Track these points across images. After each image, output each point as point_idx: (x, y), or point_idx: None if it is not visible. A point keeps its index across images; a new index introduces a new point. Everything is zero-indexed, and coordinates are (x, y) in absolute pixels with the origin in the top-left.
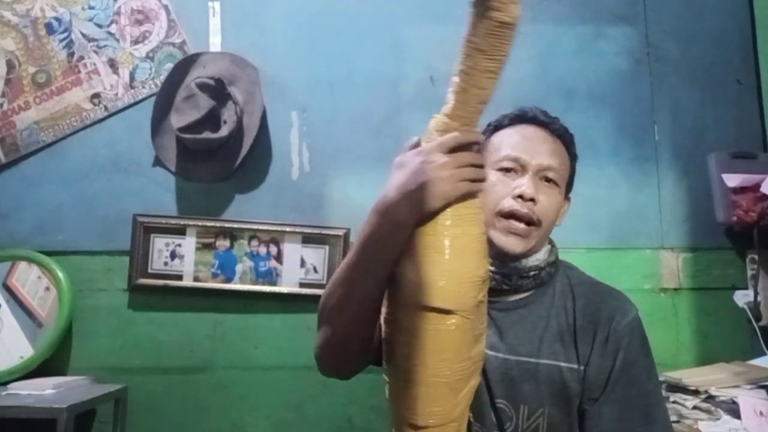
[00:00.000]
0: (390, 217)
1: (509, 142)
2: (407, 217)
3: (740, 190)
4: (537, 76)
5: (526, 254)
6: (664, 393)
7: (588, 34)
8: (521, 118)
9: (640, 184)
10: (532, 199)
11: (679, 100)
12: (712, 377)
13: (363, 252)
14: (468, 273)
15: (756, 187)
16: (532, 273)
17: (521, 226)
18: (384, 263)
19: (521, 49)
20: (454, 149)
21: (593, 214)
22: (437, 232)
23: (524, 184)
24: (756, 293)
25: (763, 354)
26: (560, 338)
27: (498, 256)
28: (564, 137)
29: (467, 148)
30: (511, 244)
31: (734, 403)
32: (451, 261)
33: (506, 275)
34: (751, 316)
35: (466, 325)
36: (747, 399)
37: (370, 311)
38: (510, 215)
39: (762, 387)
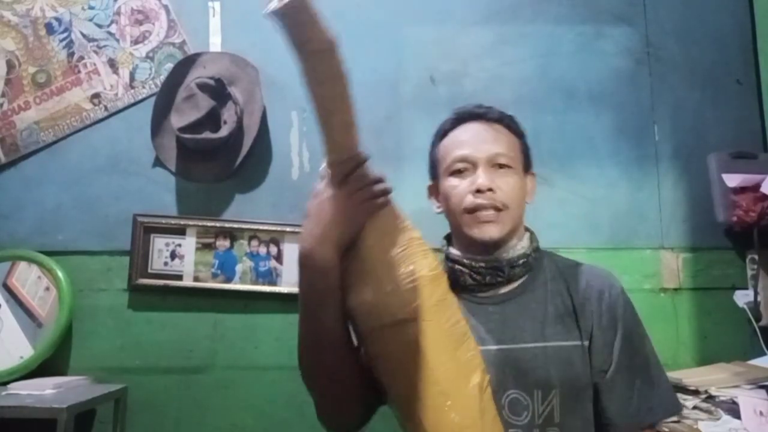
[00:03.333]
0: (311, 266)
1: (454, 145)
2: (326, 260)
3: (740, 190)
4: (537, 76)
5: (508, 241)
6: None
7: (588, 34)
8: (458, 119)
9: (640, 184)
10: (490, 189)
11: (679, 100)
12: (712, 377)
13: (305, 307)
14: (404, 280)
15: (756, 187)
16: (521, 261)
17: (489, 213)
18: (326, 308)
19: (521, 49)
20: (341, 181)
21: (593, 214)
22: (361, 256)
23: (479, 177)
24: (756, 293)
25: (763, 354)
26: (561, 319)
27: (483, 249)
28: (503, 121)
29: (354, 172)
30: (486, 232)
31: (734, 403)
32: (382, 275)
33: (497, 267)
34: (751, 316)
35: (428, 329)
36: (747, 399)
37: (339, 360)
38: (475, 209)
39: (762, 387)
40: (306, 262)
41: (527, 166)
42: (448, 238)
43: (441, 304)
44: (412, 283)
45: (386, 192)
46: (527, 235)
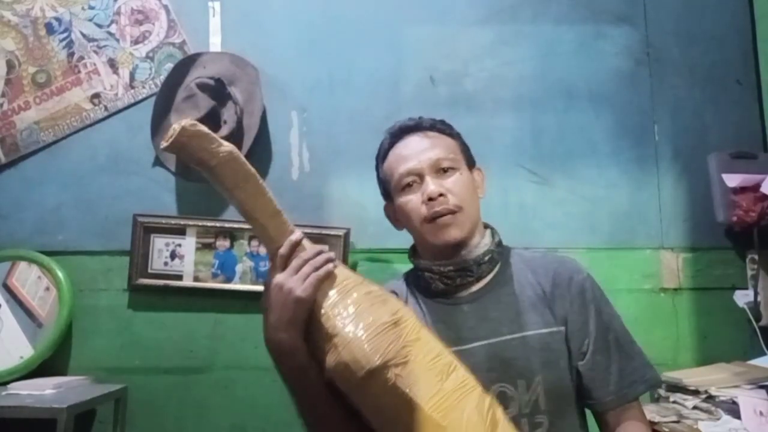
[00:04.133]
0: (278, 351)
1: (397, 162)
2: (289, 342)
3: (740, 190)
4: (537, 76)
5: (470, 240)
6: (664, 393)
7: (588, 34)
8: (393, 136)
9: (640, 184)
10: (441, 194)
11: (679, 100)
12: (712, 377)
13: (290, 388)
14: (366, 331)
15: (756, 187)
16: (487, 257)
17: (447, 218)
18: (308, 383)
19: (521, 49)
20: (284, 263)
21: (593, 214)
22: (321, 324)
23: (428, 185)
24: (756, 293)
25: (763, 354)
26: (534, 308)
27: (448, 252)
28: (435, 127)
29: (292, 254)
30: (449, 235)
31: (734, 403)
32: (345, 334)
33: (465, 268)
34: (751, 316)
35: (406, 370)
36: (747, 399)
37: (339, 421)
38: (432, 217)
39: (762, 387)
40: (273, 349)
41: (471, 163)
42: (413, 249)
43: (414, 343)
44: (376, 332)
45: (328, 260)
46: (488, 231)
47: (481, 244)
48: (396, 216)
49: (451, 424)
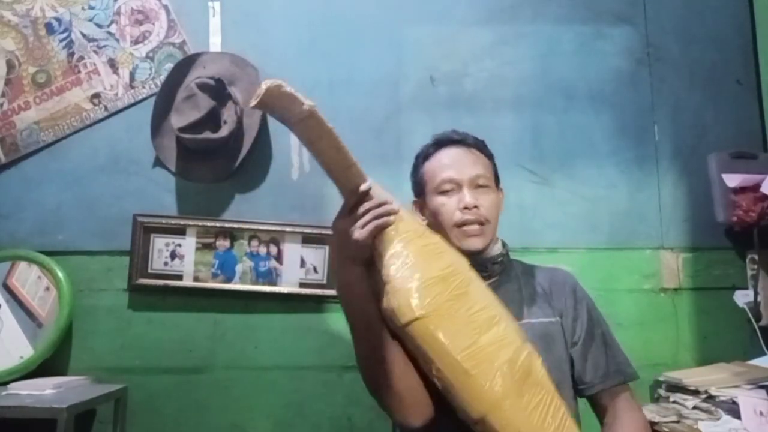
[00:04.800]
0: (339, 280)
1: (440, 168)
2: (347, 275)
3: (740, 190)
4: (537, 76)
5: (487, 247)
6: (664, 393)
7: (588, 34)
8: (439, 144)
9: (640, 184)
10: (475, 206)
11: (679, 100)
12: (712, 377)
13: (348, 316)
14: (416, 282)
15: (756, 187)
16: (499, 259)
17: (475, 227)
18: (363, 311)
19: (521, 49)
20: (351, 209)
21: (593, 214)
22: (377, 269)
23: (465, 196)
24: (756, 293)
25: (763, 354)
26: (535, 301)
27: (469, 254)
28: (477, 146)
29: (362, 199)
30: (473, 244)
31: (734, 403)
32: (394, 284)
33: (481, 264)
34: (751, 316)
35: (443, 322)
36: (747, 399)
37: (395, 360)
38: (462, 224)
39: (762, 387)
40: (335, 279)
41: (497, 183)
42: None
43: (460, 297)
44: (423, 285)
45: (389, 212)
46: (500, 242)
47: (495, 248)
48: (423, 212)
49: (480, 373)
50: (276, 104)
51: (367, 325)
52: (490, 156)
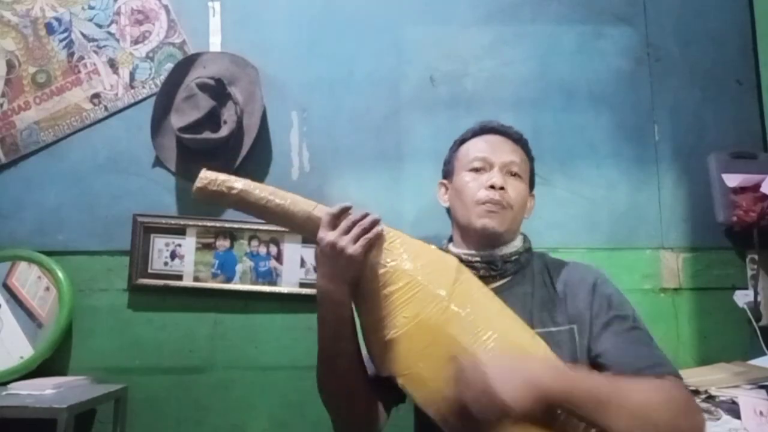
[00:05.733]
0: (326, 299)
1: (476, 148)
2: (337, 294)
3: (740, 190)
4: (537, 76)
5: (505, 240)
6: None
7: (588, 34)
8: (482, 129)
9: (640, 184)
10: (502, 188)
11: (679, 100)
12: (712, 377)
13: (325, 335)
14: (387, 339)
15: (756, 187)
16: (513, 258)
17: (496, 206)
18: (343, 334)
19: (521, 49)
20: (334, 223)
21: (593, 214)
22: (370, 281)
23: (494, 176)
24: (756, 293)
25: (763, 354)
26: (546, 307)
27: (482, 240)
28: (521, 141)
29: (342, 215)
30: (490, 223)
31: (734, 403)
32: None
33: (491, 262)
34: (751, 316)
35: (417, 380)
36: (747, 399)
37: (355, 376)
38: (486, 201)
39: (762, 387)
40: (321, 297)
41: (531, 187)
42: (450, 239)
43: (433, 342)
44: (390, 344)
45: (374, 222)
46: (521, 237)
47: (512, 244)
48: (447, 190)
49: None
50: (212, 197)
51: (346, 345)
52: (530, 157)
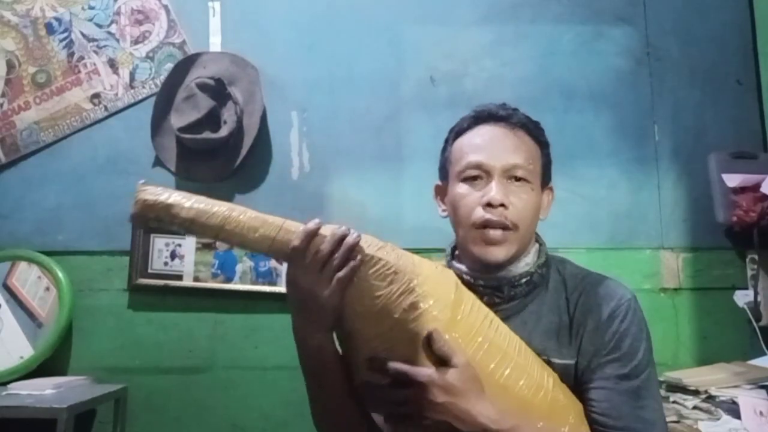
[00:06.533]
0: (306, 349)
1: (469, 149)
2: (316, 343)
3: (740, 190)
4: (537, 76)
5: (512, 260)
6: (663, 393)
7: (588, 34)
8: (478, 118)
9: (640, 184)
10: (502, 205)
11: (679, 100)
12: (712, 377)
13: (308, 378)
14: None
15: (756, 187)
16: (523, 280)
17: (497, 233)
18: (327, 375)
19: (521, 49)
20: (302, 257)
21: (593, 214)
22: (348, 318)
23: (492, 189)
24: (756, 293)
25: (763, 354)
26: (554, 335)
27: (483, 268)
28: (527, 127)
29: (309, 244)
30: (491, 254)
31: (734, 403)
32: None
33: (496, 288)
34: (751, 316)
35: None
36: (747, 399)
37: (347, 412)
38: (483, 225)
39: (762, 387)
40: (300, 345)
41: (546, 180)
42: (453, 250)
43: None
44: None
45: (350, 250)
46: (535, 248)
47: (522, 263)
48: (444, 200)
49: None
50: (153, 216)
51: (334, 389)
52: (542, 143)
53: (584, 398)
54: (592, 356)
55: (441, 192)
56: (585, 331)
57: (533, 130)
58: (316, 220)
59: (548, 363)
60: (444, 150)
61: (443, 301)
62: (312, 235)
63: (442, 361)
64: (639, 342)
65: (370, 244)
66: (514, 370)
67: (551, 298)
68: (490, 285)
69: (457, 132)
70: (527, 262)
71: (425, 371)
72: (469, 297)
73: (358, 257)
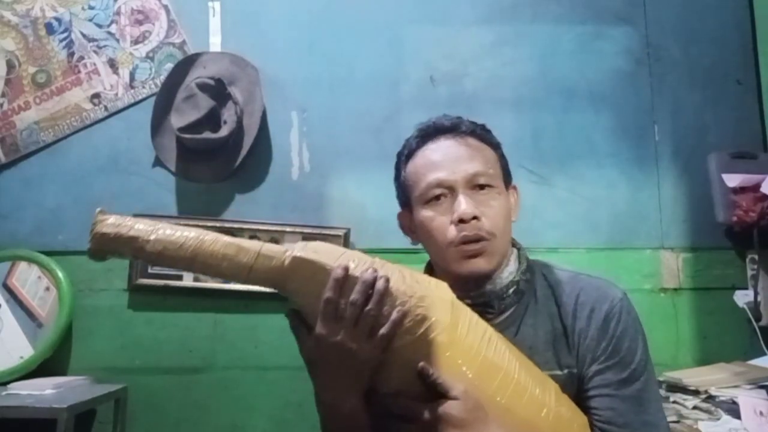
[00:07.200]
0: (336, 412)
1: (425, 168)
2: (350, 407)
3: (740, 190)
4: (537, 76)
5: (495, 269)
6: (663, 393)
7: (588, 34)
8: (425, 135)
9: (640, 184)
10: (474, 218)
11: (679, 100)
12: (712, 377)
13: None
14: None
15: (756, 187)
16: (510, 290)
17: (476, 246)
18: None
19: (521, 49)
20: (335, 310)
21: (593, 214)
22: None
23: (461, 204)
24: (756, 293)
25: (763, 354)
26: (551, 345)
27: (468, 285)
28: (475, 132)
29: (341, 292)
30: (475, 266)
31: (734, 403)
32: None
33: (486, 303)
34: (751, 316)
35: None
36: (747, 399)
37: None
38: (461, 242)
39: (762, 387)
40: (330, 414)
41: (507, 180)
42: (429, 268)
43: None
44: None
45: (384, 293)
46: (514, 255)
47: (505, 273)
48: (412, 228)
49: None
50: (110, 249)
51: None
52: (494, 145)
53: (587, 407)
54: (591, 363)
55: (405, 219)
56: (581, 337)
57: (482, 134)
58: (343, 265)
59: (552, 376)
60: (397, 176)
61: (441, 324)
62: (343, 282)
63: (440, 393)
64: (636, 342)
65: (367, 268)
66: (515, 390)
67: (543, 307)
68: (478, 302)
69: (407, 155)
70: (510, 271)
71: (426, 409)
72: (466, 313)
73: (397, 309)
